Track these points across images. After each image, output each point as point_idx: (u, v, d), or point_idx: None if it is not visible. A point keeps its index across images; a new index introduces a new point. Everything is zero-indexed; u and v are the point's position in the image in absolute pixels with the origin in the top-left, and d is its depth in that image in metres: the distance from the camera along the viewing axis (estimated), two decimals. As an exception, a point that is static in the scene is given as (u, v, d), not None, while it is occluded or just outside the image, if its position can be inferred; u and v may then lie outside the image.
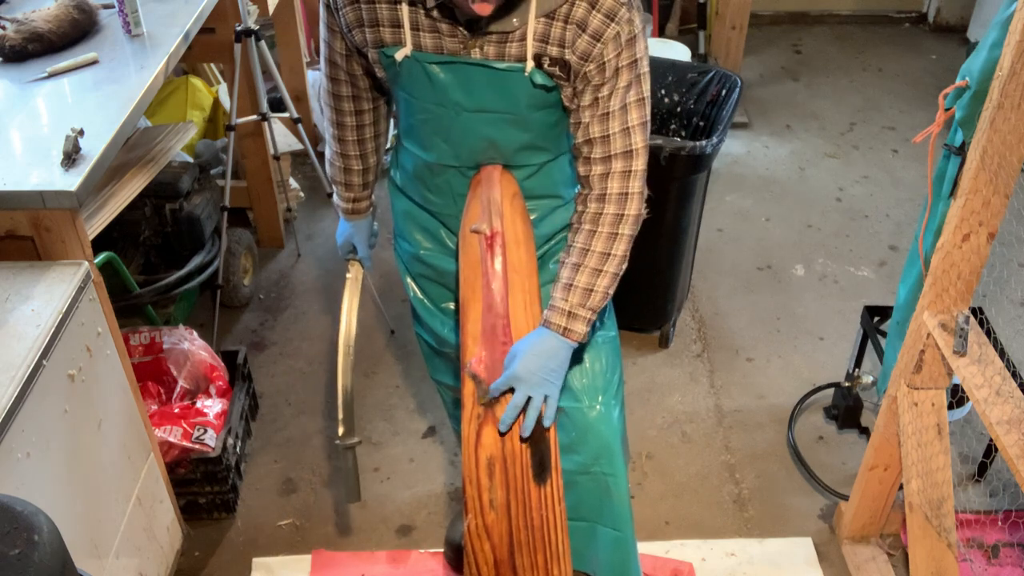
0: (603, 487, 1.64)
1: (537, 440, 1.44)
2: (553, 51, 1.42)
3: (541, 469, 1.44)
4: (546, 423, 1.45)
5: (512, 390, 1.44)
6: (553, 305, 1.49)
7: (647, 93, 1.45)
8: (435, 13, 1.41)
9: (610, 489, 1.64)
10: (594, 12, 1.37)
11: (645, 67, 1.43)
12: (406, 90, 1.53)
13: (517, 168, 1.60)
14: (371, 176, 1.81)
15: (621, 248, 1.49)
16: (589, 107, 1.45)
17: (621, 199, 1.48)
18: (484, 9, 1.31)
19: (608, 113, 1.44)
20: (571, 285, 1.48)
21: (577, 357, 1.65)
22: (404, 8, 1.43)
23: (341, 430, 1.84)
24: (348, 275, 1.87)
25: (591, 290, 1.48)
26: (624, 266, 1.51)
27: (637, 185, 1.48)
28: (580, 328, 1.48)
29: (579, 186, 1.55)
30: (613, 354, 1.68)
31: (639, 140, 1.46)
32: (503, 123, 1.51)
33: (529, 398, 1.43)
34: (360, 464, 2.42)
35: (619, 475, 1.63)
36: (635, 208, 1.48)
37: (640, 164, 1.47)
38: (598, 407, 1.62)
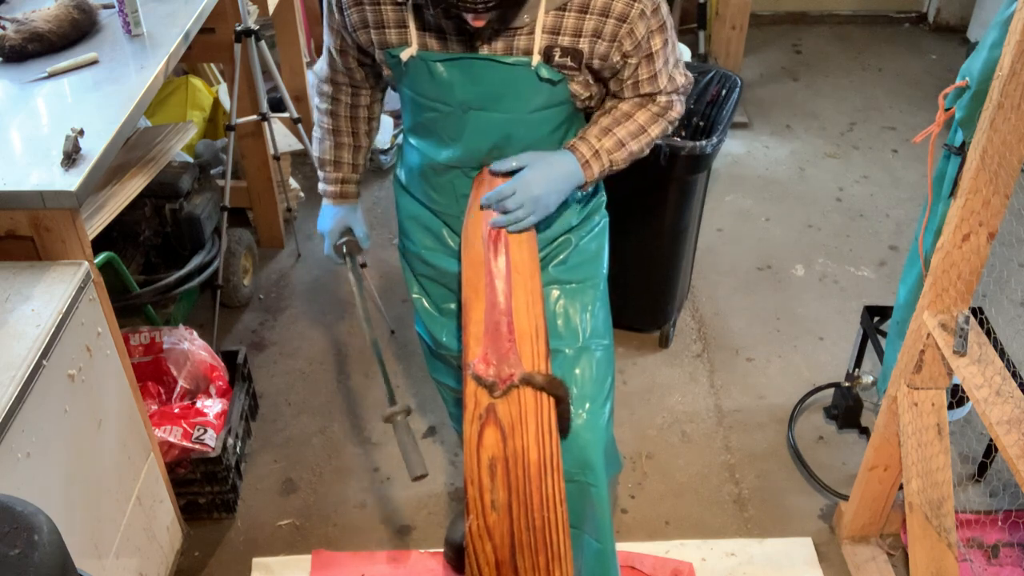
0: (586, 496, 1.63)
1: (560, 399, 1.48)
2: (565, 41, 1.43)
3: (563, 421, 1.48)
4: (512, 228, 1.51)
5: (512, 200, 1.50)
6: (584, 138, 1.55)
7: (672, 34, 1.55)
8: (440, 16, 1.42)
9: (592, 499, 1.63)
10: None
11: (669, 18, 1.51)
12: (412, 89, 1.53)
13: None
14: (361, 159, 1.80)
15: (655, 131, 1.59)
16: (632, 76, 1.54)
17: (668, 104, 1.60)
18: (478, 23, 1.34)
19: (655, 74, 1.54)
20: (609, 130, 1.55)
21: (570, 364, 1.64)
22: (410, 9, 1.43)
23: (388, 394, 1.88)
24: (348, 264, 1.87)
25: (623, 145, 1.55)
26: (647, 152, 1.60)
27: (679, 103, 1.62)
28: (595, 172, 1.55)
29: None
30: (606, 362, 1.68)
31: (680, 77, 1.60)
32: (509, 125, 1.52)
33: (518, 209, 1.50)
34: (360, 464, 2.43)
35: (600, 486, 1.62)
36: (676, 114, 1.62)
37: (683, 92, 1.62)
38: (583, 415, 1.61)
